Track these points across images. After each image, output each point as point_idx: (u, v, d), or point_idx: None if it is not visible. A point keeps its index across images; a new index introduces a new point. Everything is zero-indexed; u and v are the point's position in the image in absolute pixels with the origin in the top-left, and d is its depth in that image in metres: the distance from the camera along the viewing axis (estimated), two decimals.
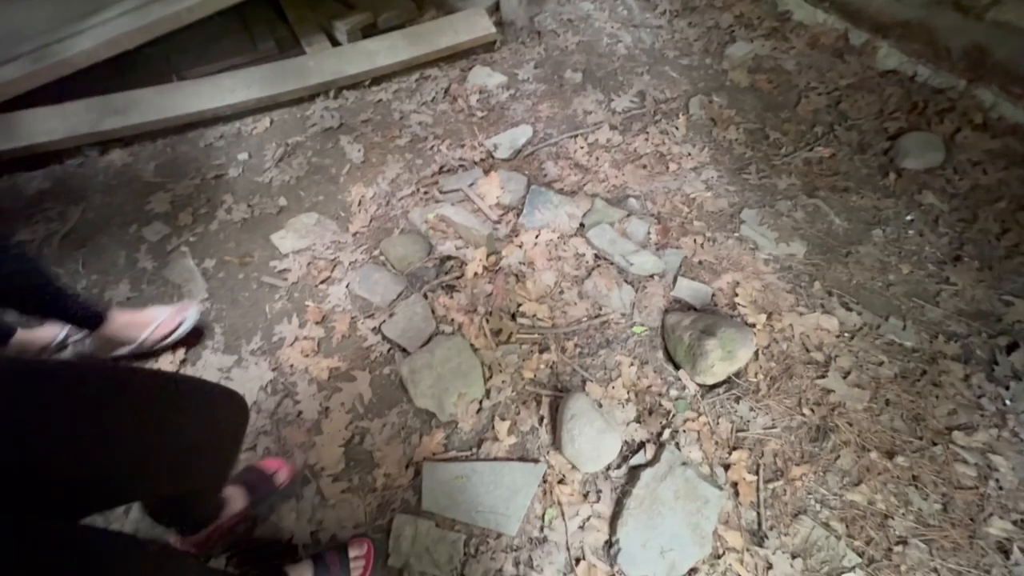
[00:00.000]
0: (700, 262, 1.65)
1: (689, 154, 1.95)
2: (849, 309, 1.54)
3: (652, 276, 1.60)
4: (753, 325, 1.48)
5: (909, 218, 1.75)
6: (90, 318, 1.31)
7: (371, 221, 1.77)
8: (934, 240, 1.70)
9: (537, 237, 1.67)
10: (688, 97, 2.15)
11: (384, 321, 1.52)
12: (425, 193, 1.84)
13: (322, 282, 1.63)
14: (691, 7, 2.54)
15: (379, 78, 2.20)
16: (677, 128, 2.03)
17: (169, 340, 1.42)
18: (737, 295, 1.56)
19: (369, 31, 2.32)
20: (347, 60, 2.16)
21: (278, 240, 1.72)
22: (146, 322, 1.38)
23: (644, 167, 1.91)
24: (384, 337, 1.50)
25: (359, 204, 1.81)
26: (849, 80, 2.16)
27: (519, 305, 1.54)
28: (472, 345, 1.46)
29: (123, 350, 1.38)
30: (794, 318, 1.51)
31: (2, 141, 1.81)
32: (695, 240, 1.69)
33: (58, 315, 1.27)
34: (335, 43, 2.30)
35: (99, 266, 1.66)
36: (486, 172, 1.85)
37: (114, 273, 1.65)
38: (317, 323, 1.54)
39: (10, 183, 1.83)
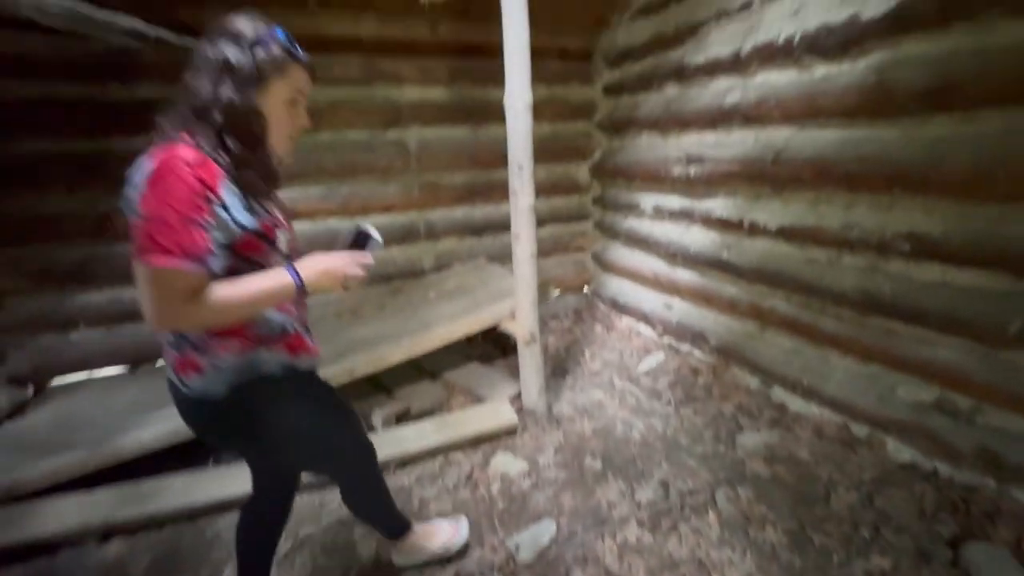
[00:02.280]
0: None
1: (731, 560, 1.76)
2: None
3: None
4: None
5: None
6: (405, 526, 1.69)
7: None
8: None
9: None
10: (712, 489, 2.12)
11: None
12: None
13: None
14: (692, 396, 2.83)
15: (405, 461, 2.28)
16: (710, 526, 1.92)
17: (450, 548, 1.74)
18: None
19: (403, 416, 2.56)
20: (378, 446, 2.28)
21: None
22: (435, 531, 1.74)
23: None
24: None
25: None
26: (871, 473, 2.15)
27: None
28: None
29: (423, 557, 1.70)
30: None
31: (2, 533, 1.75)
32: None
33: (378, 519, 1.66)
34: (371, 428, 2.50)
35: None
36: None
37: None
38: None
39: None
